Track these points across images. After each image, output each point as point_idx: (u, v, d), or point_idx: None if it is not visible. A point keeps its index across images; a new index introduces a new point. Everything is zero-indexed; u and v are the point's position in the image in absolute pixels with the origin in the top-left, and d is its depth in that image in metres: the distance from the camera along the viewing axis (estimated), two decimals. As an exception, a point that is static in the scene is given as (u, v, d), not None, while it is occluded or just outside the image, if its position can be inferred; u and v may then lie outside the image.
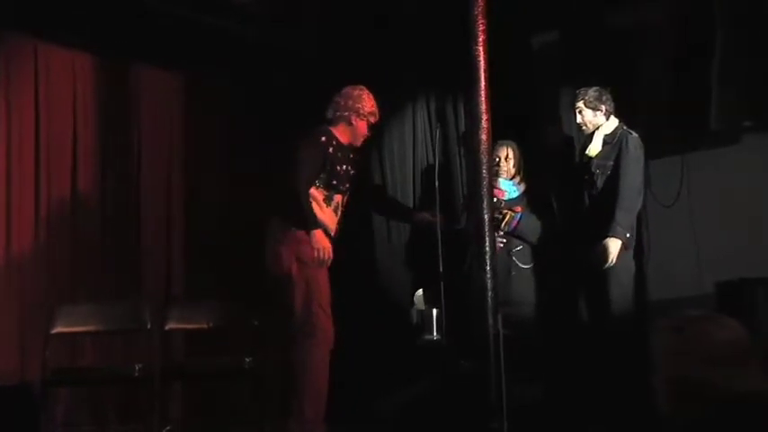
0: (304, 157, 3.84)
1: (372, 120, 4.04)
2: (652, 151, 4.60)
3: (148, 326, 4.47)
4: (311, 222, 3.82)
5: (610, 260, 4.15)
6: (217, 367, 4.42)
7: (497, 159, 4.69)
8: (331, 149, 3.92)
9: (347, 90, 4.01)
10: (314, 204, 3.86)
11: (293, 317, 3.76)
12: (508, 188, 4.71)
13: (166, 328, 4.56)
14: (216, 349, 4.79)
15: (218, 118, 5.37)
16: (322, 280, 3.83)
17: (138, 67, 5.10)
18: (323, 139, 3.92)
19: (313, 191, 3.87)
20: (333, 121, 4.02)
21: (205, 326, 4.57)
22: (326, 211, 3.91)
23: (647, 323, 4.36)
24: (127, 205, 5.02)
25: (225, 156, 5.36)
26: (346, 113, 3.97)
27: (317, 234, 3.80)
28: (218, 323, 4.59)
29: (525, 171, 4.72)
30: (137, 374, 4.11)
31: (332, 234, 3.94)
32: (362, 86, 4.03)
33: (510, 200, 4.69)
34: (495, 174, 4.66)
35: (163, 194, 5.16)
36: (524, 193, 4.70)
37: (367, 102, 4.00)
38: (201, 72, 5.25)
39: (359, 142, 4.10)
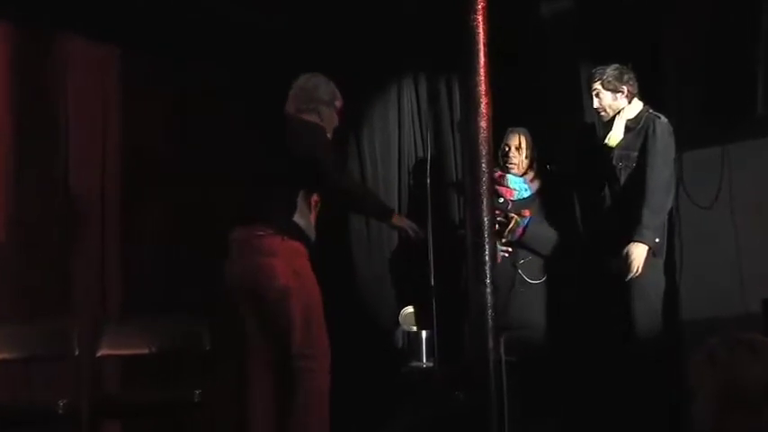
0: (326, 151, 4.02)
1: (339, 105, 4.20)
2: (686, 142, 4.64)
3: (76, 352, 4.46)
4: (388, 207, 4.38)
5: (634, 269, 4.20)
6: (160, 401, 4.42)
7: (507, 149, 4.73)
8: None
9: (303, 82, 4.17)
10: (306, 212, 3.98)
11: (289, 338, 3.83)
12: (518, 186, 4.74)
13: (98, 354, 4.57)
14: (159, 380, 4.78)
15: (164, 102, 5.38)
16: (318, 295, 3.94)
17: (65, 39, 5.08)
18: (326, 133, 4.10)
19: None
20: (303, 114, 4.12)
21: (146, 351, 4.59)
22: (312, 218, 4.03)
23: (679, 348, 4.45)
24: (50, 207, 5.00)
25: (171, 148, 5.38)
26: (312, 106, 4.10)
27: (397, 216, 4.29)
28: (162, 348, 4.60)
29: (539, 166, 4.78)
30: (60, 412, 4.09)
31: (312, 240, 4.04)
32: (316, 73, 4.19)
33: (520, 200, 4.72)
34: (503, 168, 4.73)
35: (96, 194, 5.15)
36: (537, 193, 4.75)
37: (326, 87, 4.16)
38: (143, 45, 5.28)
39: (331, 135, 4.23)
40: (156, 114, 5.37)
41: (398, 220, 4.22)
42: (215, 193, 5.11)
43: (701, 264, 4.66)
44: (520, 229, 4.62)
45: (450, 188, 5.19)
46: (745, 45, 4.51)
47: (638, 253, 4.20)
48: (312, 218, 4.03)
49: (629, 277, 4.21)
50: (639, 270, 4.20)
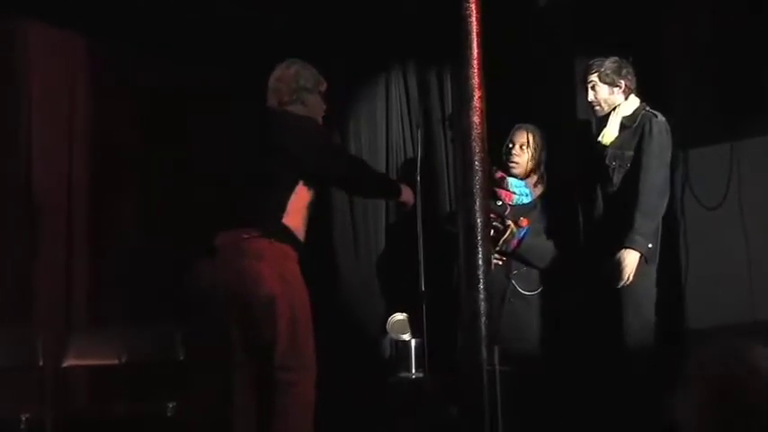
0: (320, 144, 4.02)
1: (322, 88, 4.17)
2: (693, 138, 4.65)
3: (40, 362, 4.47)
4: (395, 184, 4.30)
5: (626, 277, 4.17)
6: (131, 415, 4.42)
7: (511, 146, 4.64)
8: None
9: (281, 72, 4.15)
10: (299, 214, 3.96)
11: (273, 348, 3.81)
12: (519, 190, 4.65)
13: (64, 364, 4.57)
14: (130, 392, 4.78)
15: (135, 93, 5.36)
16: (307, 302, 3.92)
17: (27, 25, 5.05)
18: (317, 123, 4.10)
19: (303, 190, 3.98)
20: (286, 106, 4.13)
21: (115, 362, 4.58)
22: (306, 220, 4.02)
23: (683, 359, 4.43)
24: (12, 206, 4.99)
25: (144, 143, 5.35)
26: (296, 96, 4.09)
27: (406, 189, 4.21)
28: (133, 358, 4.59)
29: (545, 169, 4.68)
30: (23, 427, 4.10)
31: (302, 243, 4.03)
32: (293, 60, 4.18)
33: (519, 205, 4.65)
34: (505, 169, 4.69)
35: (61, 193, 5.14)
36: (538, 200, 4.67)
37: (307, 73, 4.15)
38: (110, 32, 5.24)
39: (321, 122, 4.24)
40: (129, 107, 5.34)
41: (407, 195, 4.15)
42: (192, 194, 5.08)
43: (708, 268, 4.66)
44: (515, 241, 4.56)
45: (441, 186, 5.18)
46: (754, 36, 4.51)
47: (630, 260, 4.18)
48: (303, 219, 4.02)
49: (620, 285, 4.19)
50: (631, 278, 4.18)
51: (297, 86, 4.10)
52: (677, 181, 4.68)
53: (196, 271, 3.99)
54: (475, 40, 3.66)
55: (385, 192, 4.36)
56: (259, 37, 5.21)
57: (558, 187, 4.72)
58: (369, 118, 5.40)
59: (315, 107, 4.13)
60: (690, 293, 4.68)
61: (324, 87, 4.16)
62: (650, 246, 4.23)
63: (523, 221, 4.57)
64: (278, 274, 3.85)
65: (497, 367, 3.52)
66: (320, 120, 4.15)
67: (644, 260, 4.22)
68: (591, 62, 4.43)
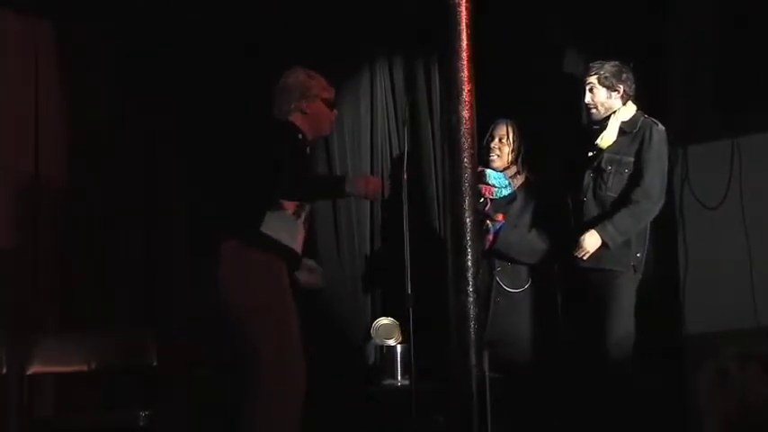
0: (285, 156, 4.01)
1: (327, 95, 4.27)
2: (692, 134, 4.71)
3: (4, 370, 4.45)
4: (340, 181, 4.18)
5: (579, 254, 4.37)
6: (100, 424, 4.41)
7: (491, 139, 4.75)
8: (308, 149, 4.22)
9: (283, 81, 4.26)
10: (282, 220, 4.04)
11: (256, 360, 3.88)
12: (499, 182, 4.77)
13: (29, 371, 4.54)
14: (100, 400, 4.79)
15: (106, 86, 5.35)
16: (294, 315, 4.00)
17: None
18: (300, 136, 4.16)
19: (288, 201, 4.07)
20: (286, 115, 4.20)
21: (84, 368, 4.58)
22: (297, 225, 4.11)
23: (683, 365, 4.50)
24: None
25: (116, 139, 5.37)
26: (294, 105, 4.18)
27: (363, 180, 4.15)
28: (103, 364, 4.59)
29: (524, 161, 4.80)
30: (-14, 437, 4.11)
31: (300, 254, 4.14)
32: (296, 69, 4.28)
33: (500, 198, 4.75)
34: (484, 162, 4.75)
35: (26, 190, 5.14)
36: (519, 190, 4.77)
37: (308, 82, 4.23)
38: (81, 20, 5.25)
39: (328, 130, 4.41)
40: (95, 94, 5.34)
41: (351, 187, 4.07)
42: (169, 194, 5.11)
43: (708, 270, 4.70)
44: (490, 236, 4.64)
45: (429, 183, 5.21)
46: (757, 33, 4.56)
47: (590, 242, 4.39)
48: (292, 227, 4.08)
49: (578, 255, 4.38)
50: (589, 253, 4.38)
51: (296, 95, 4.21)
52: (676, 180, 4.73)
53: (164, 275, 4.06)
54: (464, 30, 3.70)
55: (330, 197, 4.63)
56: (237, 31, 5.24)
57: (545, 182, 4.77)
58: (353, 114, 5.41)
59: (317, 115, 4.24)
60: (689, 296, 4.72)
61: (329, 95, 4.26)
62: (638, 255, 4.41)
63: (499, 216, 4.65)
64: (258, 284, 3.93)
65: (487, 374, 3.55)
66: (327, 128, 4.33)
67: (633, 268, 4.40)
68: (591, 64, 4.57)
